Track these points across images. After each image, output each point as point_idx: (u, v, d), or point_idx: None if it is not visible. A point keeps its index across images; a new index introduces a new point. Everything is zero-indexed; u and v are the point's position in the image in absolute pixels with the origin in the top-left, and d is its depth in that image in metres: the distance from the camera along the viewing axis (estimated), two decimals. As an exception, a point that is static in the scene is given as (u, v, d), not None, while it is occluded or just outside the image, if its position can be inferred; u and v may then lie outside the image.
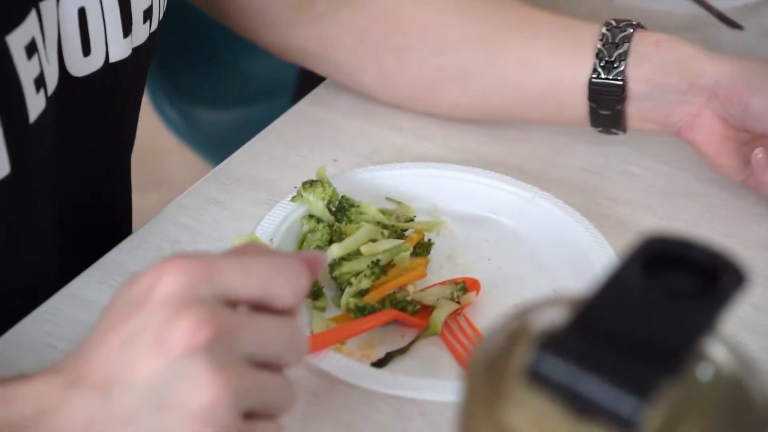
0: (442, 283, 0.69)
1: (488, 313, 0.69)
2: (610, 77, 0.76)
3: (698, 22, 0.94)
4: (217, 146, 1.35)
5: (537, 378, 0.33)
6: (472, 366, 0.37)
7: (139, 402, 0.46)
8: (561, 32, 0.80)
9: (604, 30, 0.77)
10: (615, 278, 0.35)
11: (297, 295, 0.49)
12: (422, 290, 0.69)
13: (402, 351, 0.65)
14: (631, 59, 0.76)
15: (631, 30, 0.77)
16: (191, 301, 0.46)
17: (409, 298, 0.68)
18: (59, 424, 0.46)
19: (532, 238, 0.74)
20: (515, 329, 0.38)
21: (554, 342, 0.33)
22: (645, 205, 0.79)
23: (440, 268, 0.72)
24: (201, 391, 0.45)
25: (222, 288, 0.47)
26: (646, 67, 0.76)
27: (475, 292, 0.69)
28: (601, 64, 0.77)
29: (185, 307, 0.46)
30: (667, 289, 0.35)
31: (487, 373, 0.36)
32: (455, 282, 0.69)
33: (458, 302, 0.68)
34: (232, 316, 0.47)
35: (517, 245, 0.74)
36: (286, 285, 0.49)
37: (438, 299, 0.68)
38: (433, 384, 0.61)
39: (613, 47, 0.77)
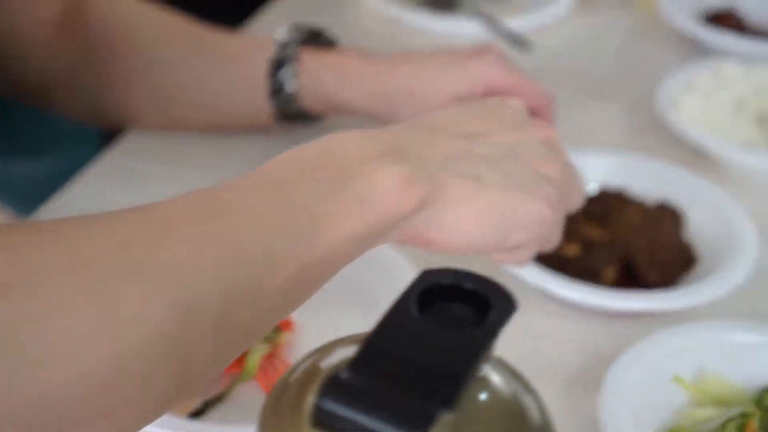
0: (256, 326, 0.69)
1: (305, 351, 0.69)
2: None
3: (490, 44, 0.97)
4: (25, 199, 1.30)
5: (321, 420, 0.33)
6: (265, 410, 0.37)
7: (499, 152, 0.56)
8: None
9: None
10: (393, 313, 0.36)
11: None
12: (236, 335, 0.69)
13: (219, 398, 0.65)
14: None
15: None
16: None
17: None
18: (421, 153, 0.52)
19: (347, 268, 0.75)
20: (308, 371, 0.39)
21: (335, 383, 0.34)
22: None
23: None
24: (549, 163, 0.57)
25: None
26: None
27: (288, 332, 0.69)
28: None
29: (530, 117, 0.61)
30: (442, 320, 0.36)
31: (280, 417, 0.37)
32: (269, 323, 0.69)
33: (272, 343, 0.68)
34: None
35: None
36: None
37: (253, 342, 0.68)
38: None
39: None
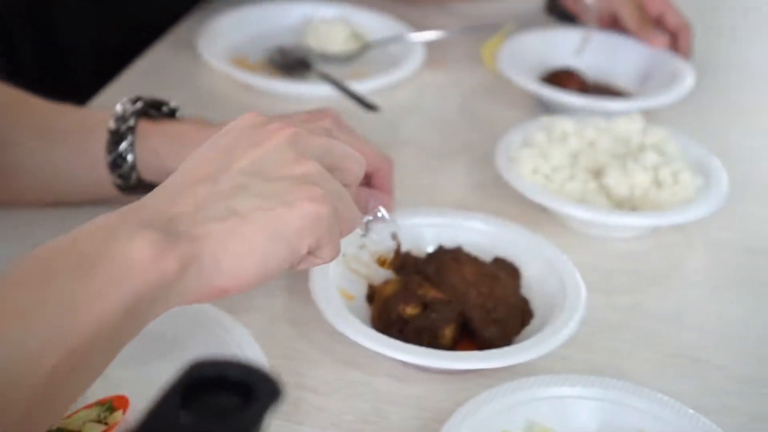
0: (89, 406, 0.69)
1: (138, 428, 0.69)
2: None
3: (337, 105, 0.99)
4: None
5: None
6: None
7: (244, 177, 0.55)
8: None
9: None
10: (157, 408, 0.37)
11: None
12: (69, 416, 0.68)
13: (49, 483, 0.64)
14: None
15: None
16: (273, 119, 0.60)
17: (54, 428, 0.67)
18: (171, 213, 0.52)
19: (178, 339, 0.75)
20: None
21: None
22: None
23: (90, 389, 0.71)
24: (298, 163, 0.57)
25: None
26: None
27: (121, 411, 0.68)
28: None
29: (269, 121, 0.60)
30: (209, 411, 0.36)
31: None
32: (102, 402, 0.69)
33: (106, 423, 0.67)
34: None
35: (164, 348, 0.74)
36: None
37: (84, 423, 0.67)
38: None
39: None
